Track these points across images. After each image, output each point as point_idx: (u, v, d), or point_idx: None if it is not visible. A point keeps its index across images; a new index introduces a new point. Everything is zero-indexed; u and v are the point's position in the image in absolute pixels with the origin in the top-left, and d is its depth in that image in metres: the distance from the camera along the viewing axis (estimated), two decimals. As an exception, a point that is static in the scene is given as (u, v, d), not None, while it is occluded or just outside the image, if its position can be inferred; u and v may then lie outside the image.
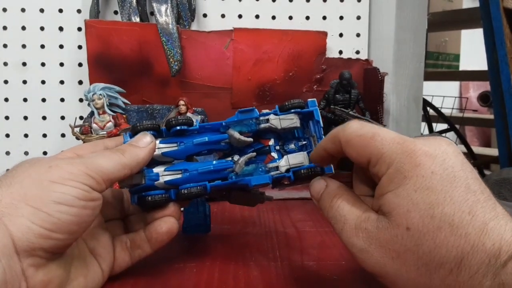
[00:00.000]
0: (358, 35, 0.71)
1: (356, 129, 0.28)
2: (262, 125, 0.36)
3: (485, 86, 2.02)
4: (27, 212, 0.25)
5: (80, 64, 0.69)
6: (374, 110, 0.64)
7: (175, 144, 0.36)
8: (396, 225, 0.25)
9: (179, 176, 0.35)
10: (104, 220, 0.35)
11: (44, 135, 0.70)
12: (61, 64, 0.69)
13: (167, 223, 0.34)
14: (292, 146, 0.37)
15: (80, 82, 0.70)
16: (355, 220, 0.27)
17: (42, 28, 0.69)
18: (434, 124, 1.39)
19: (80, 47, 0.69)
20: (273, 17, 0.71)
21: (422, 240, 0.24)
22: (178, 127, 0.35)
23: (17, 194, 0.26)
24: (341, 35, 0.71)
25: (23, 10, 0.68)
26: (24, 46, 0.69)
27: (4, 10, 0.68)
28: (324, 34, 0.68)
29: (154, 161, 0.35)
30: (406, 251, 0.24)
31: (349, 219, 0.28)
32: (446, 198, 0.24)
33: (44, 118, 0.70)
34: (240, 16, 0.71)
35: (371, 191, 0.30)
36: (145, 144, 0.33)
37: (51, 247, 0.26)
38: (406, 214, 0.24)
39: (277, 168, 0.35)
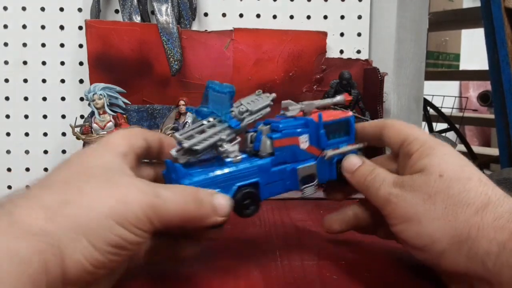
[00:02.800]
0: (359, 34, 0.71)
1: (397, 119, 0.34)
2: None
3: (485, 85, 2.02)
4: (84, 248, 0.24)
5: (80, 63, 0.69)
6: (374, 110, 0.64)
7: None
8: (430, 173, 0.29)
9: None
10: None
11: (45, 134, 0.70)
12: (62, 63, 0.69)
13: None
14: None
15: (81, 81, 0.70)
16: (393, 178, 0.32)
17: (43, 27, 0.69)
18: (434, 124, 1.39)
19: (81, 45, 0.69)
20: (274, 16, 0.71)
21: (453, 184, 0.28)
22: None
23: (82, 224, 0.24)
24: (342, 34, 0.71)
25: (23, 8, 0.68)
26: (24, 44, 0.69)
27: (5, 8, 0.68)
28: (324, 34, 0.68)
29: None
30: (437, 192, 0.28)
31: (388, 178, 0.32)
32: (471, 166, 0.29)
33: (44, 116, 0.70)
34: (241, 15, 0.71)
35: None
36: (222, 209, 0.30)
37: (92, 279, 0.26)
38: (439, 166, 0.29)
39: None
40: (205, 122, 0.34)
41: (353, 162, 0.35)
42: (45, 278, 0.22)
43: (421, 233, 0.28)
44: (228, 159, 0.33)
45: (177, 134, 0.32)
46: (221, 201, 0.30)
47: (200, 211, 0.29)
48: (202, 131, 0.33)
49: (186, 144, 0.32)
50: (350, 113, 0.39)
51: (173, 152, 0.33)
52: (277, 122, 0.36)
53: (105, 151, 0.30)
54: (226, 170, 0.32)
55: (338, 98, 0.39)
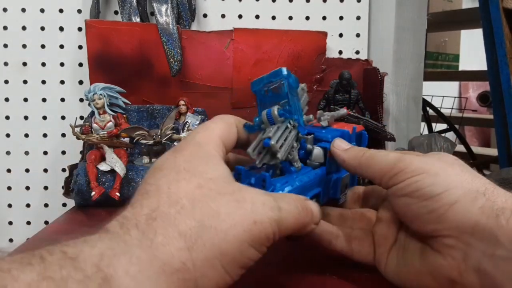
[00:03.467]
0: (358, 35, 0.72)
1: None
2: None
3: (485, 86, 2.02)
4: (218, 274, 0.23)
5: (80, 64, 0.69)
6: (373, 110, 0.64)
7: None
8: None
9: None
10: None
11: (45, 135, 0.70)
12: (62, 64, 0.69)
13: None
14: None
15: (81, 82, 0.70)
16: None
17: (42, 28, 0.69)
18: (433, 124, 1.39)
19: (80, 47, 0.69)
20: (273, 17, 0.71)
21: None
22: None
23: (219, 250, 0.23)
24: (341, 35, 0.71)
25: (23, 10, 0.68)
26: (24, 46, 0.69)
27: (5, 10, 0.68)
28: (324, 34, 0.68)
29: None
30: (453, 162, 0.30)
31: (385, 157, 0.31)
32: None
33: (44, 118, 0.70)
34: (240, 16, 0.71)
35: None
36: (316, 216, 0.30)
37: None
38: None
39: None
40: (289, 125, 0.33)
41: (343, 144, 0.34)
42: None
43: (437, 182, 0.28)
44: (293, 168, 0.33)
45: (273, 140, 0.30)
46: (315, 208, 0.30)
47: (307, 218, 0.29)
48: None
49: (280, 154, 0.30)
50: (362, 127, 0.40)
51: (253, 152, 0.31)
52: (320, 132, 0.36)
53: (210, 151, 0.28)
54: (303, 180, 0.32)
55: (342, 112, 0.40)
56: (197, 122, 0.59)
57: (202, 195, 0.25)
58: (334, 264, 0.37)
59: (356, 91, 0.62)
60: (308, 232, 0.29)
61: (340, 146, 0.34)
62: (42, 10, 0.68)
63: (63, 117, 0.70)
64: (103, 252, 0.20)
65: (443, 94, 1.63)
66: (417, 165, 0.29)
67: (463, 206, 0.27)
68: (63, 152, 0.71)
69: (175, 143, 0.56)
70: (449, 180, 0.28)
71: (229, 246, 0.23)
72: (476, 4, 0.86)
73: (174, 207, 0.24)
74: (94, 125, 0.57)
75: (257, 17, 0.71)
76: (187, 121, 0.59)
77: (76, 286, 0.18)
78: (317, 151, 0.35)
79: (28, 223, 0.72)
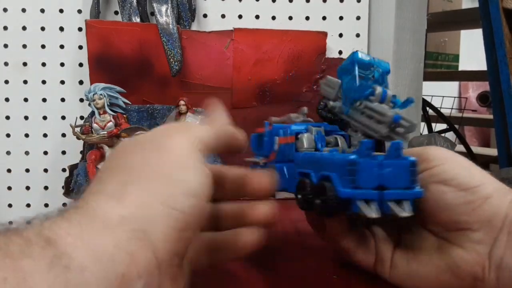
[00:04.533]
0: (357, 35, 0.72)
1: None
2: None
3: (484, 86, 2.02)
4: (164, 214, 0.22)
5: (80, 64, 0.69)
6: (373, 110, 0.64)
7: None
8: None
9: None
10: None
11: (45, 135, 0.70)
12: (62, 64, 0.69)
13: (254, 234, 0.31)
14: None
15: (81, 82, 0.70)
16: None
17: (42, 28, 0.69)
18: (433, 124, 1.39)
19: (80, 47, 0.69)
20: (273, 17, 0.71)
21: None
22: None
23: (150, 193, 0.22)
24: (340, 35, 0.71)
25: (23, 10, 0.68)
26: (24, 46, 0.69)
27: (5, 10, 0.68)
28: (324, 34, 0.68)
29: None
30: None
31: None
32: None
33: (44, 118, 0.70)
34: (240, 17, 0.71)
35: None
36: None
37: (181, 249, 0.23)
38: None
39: None
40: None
41: None
42: (135, 270, 0.20)
43: (471, 174, 0.28)
44: None
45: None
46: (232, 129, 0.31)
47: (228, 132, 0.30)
48: None
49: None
50: None
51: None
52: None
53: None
54: None
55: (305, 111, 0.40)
56: (197, 122, 0.59)
57: (129, 159, 0.25)
58: (334, 264, 0.37)
59: (356, 91, 0.61)
60: (237, 145, 0.30)
61: None
62: (42, 10, 0.68)
63: (63, 117, 0.70)
64: (43, 222, 0.20)
65: (443, 94, 1.63)
66: (447, 153, 0.30)
67: (496, 201, 0.27)
68: (63, 152, 0.71)
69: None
70: (481, 175, 0.29)
71: (160, 183, 0.23)
72: (476, 4, 0.86)
73: (104, 178, 0.24)
74: (94, 125, 0.57)
75: (257, 17, 0.71)
76: (187, 121, 0.59)
77: (18, 249, 0.18)
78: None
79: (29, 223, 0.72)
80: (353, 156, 0.27)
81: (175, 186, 0.23)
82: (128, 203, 0.22)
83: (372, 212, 0.26)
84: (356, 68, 0.30)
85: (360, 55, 0.31)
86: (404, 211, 0.26)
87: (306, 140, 0.34)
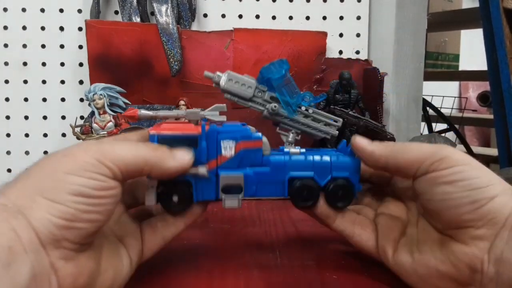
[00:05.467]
0: (358, 35, 0.72)
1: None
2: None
3: (485, 86, 2.02)
4: (44, 205, 0.25)
5: (80, 64, 0.69)
6: (373, 110, 0.64)
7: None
8: None
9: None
10: (128, 206, 0.35)
11: (45, 135, 0.71)
12: (62, 64, 0.69)
13: None
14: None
15: (81, 82, 0.70)
16: None
17: (42, 28, 0.69)
18: (433, 124, 1.39)
19: (80, 47, 0.69)
20: (273, 17, 0.71)
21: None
22: None
23: (33, 187, 0.25)
24: (341, 35, 0.71)
25: (23, 10, 0.68)
26: (25, 46, 0.69)
27: (5, 10, 0.68)
28: (324, 34, 0.68)
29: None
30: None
31: None
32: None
33: (44, 117, 0.70)
34: (240, 16, 0.71)
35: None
36: (180, 158, 0.31)
37: (76, 237, 0.26)
38: None
39: None
40: None
41: (365, 139, 0.35)
42: (20, 244, 0.23)
43: (481, 175, 0.29)
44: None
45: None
46: (179, 151, 0.31)
47: (156, 151, 0.30)
48: None
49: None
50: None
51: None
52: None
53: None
54: None
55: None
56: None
57: (47, 159, 0.28)
58: (334, 264, 0.37)
59: (356, 91, 0.62)
60: (175, 168, 0.30)
61: (363, 140, 0.35)
62: (42, 10, 0.68)
63: (63, 117, 0.70)
64: None
65: (443, 94, 1.63)
66: (460, 156, 0.30)
67: (502, 200, 0.28)
68: (63, 152, 0.71)
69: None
70: (491, 176, 0.29)
71: (42, 181, 0.26)
72: (476, 4, 0.86)
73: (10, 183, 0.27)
74: (94, 125, 0.57)
75: (257, 17, 0.71)
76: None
77: None
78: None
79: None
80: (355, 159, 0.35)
81: (61, 185, 0.25)
82: (10, 194, 0.25)
83: None
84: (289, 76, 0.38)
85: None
86: None
87: (267, 143, 0.35)
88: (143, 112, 0.33)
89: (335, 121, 0.39)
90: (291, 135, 0.39)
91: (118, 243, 0.31)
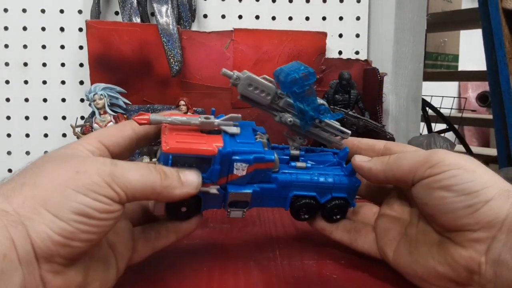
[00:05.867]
0: (357, 35, 0.72)
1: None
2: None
3: (484, 86, 2.02)
4: (47, 219, 0.25)
5: (81, 65, 0.69)
6: (373, 110, 0.64)
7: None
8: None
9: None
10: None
11: (45, 135, 0.71)
12: (62, 65, 0.70)
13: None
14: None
15: (81, 82, 0.70)
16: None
17: (43, 29, 0.69)
18: (433, 124, 1.39)
19: (81, 47, 0.69)
20: (273, 18, 0.71)
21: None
22: None
23: (39, 198, 0.25)
24: (340, 35, 0.72)
25: (24, 10, 0.68)
26: (25, 46, 0.69)
27: (5, 10, 0.68)
28: (324, 34, 0.69)
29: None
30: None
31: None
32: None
33: (45, 118, 0.70)
34: (240, 17, 0.71)
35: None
36: (189, 184, 0.31)
37: (69, 254, 0.26)
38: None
39: None
40: None
41: (364, 157, 0.36)
42: (15, 254, 0.23)
43: (475, 178, 0.29)
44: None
45: None
46: (189, 174, 0.31)
47: (164, 181, 0.29)
48: None
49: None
50: None
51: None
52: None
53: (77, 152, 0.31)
54: None
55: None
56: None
57: (32, 166, 0.28)
58: (334, 264, 0.37)
59: (356, 91, 0.62)
60: (184, 195, 0.30)
61: (361, 159, 0.36)
62: (43, 11, 0.69)
63: (64, 117, 0.70)
64: None
65: (443, 94, 1.63)
66: (453, 159, 0.30)
67: (497, 203, 0.28)
68: (64, 152, 0.71)
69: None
70: (486, 178, 0.29)
71: (49, 193, 0.25)
72: (476, 5, 0.86)
73: (9, 182, 0.26)
74: (95, 125, 0.57)
75: (257, 17, 0.71)
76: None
77: None
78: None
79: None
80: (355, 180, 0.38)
81: (67, 202, 0.25)
82: (14, 201, 0.25)
83: None
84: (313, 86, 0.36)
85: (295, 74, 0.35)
86: None
87: (277, 161, 0.35)
88: (155, 117, 0.32)
89: (343, 132, 0.39)
90: (298, 140, 0.39)
91: (108, 251, 0.31)
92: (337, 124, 0.38)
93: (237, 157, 0.32)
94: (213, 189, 0.32)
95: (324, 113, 0.37)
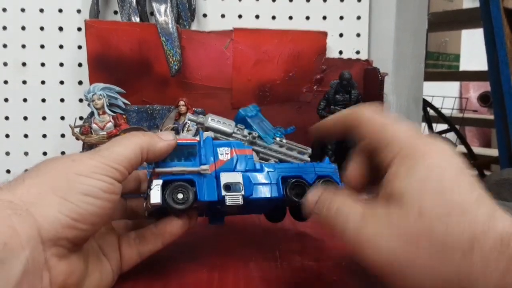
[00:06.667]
0: (358, 35, 0.71)
1: (374, 111, 0.29)
2: None
3: (485, 86, 2.02)
4: (55, 201, 0.26)
5: (80, 64, 0.69)
6: (374, 110, 0.63)
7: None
8: (408, 208, 0.25)
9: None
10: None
11: (44, 136, 0.70)
12: (61, 64, 0.69)
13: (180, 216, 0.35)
14: None
15: (80, 82, 0.70)
16: (360, 211, 0.26)
17: (42, 28, 0.69)
18: (434, 125, 1.39)
19: (80, 47, 0.69)
20: (273, 17, 0.71)
21: (434, 224, 0.24)
22: None
23: (44, 184, 0.26)
24: (341, 35, 0.71)
25: (22, 10, 0.68)
26: (24, 46, 0.69)
27: (4, 10, 0.68)
28: (324, 34, 0.68)
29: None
30: (419, 235, 0.24)
31: (353, 212, 0.27)
32: (454, 188, 0.24)
33: (44, 118, 0.70)
34: (240, 16, 0.71)
35: (365, 180, 0.32)
36: (166, 138, 0.33)
37: (75, 237, 0.26)
38: (418, 198, 0.24)
39: None
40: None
41: (313, 197, 0.30)
42: (18, 241, 0.23)
43: (410, 283, 0.24)
44: None
45: None
46: (164, 134, 0.34)
47: (146, 138, 0.32)
48: None
49: None
50: None
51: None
52: None
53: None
54: None
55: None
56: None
57: (33, 168, 0.29)
58: (334, 264, 0.37)
59: (356, 91, 0.61)
60: (160, 148, 0.32)
61: (308, 206, 0.30)
62: (41, 10, 0.68)
63: (62, 118, 0.70)
64: None
65: (444, 95, 1.63)
66: (380, 258, 0.26)
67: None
68: (63, 153, 0.71)
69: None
70: (421, 278, 0.24)
71: (53, 179, 0.27)
72: (477, 4, 0.86)
73: (11, 181, 0.27)
74: (94, 126, 0.57)
75: (257, 17, 0.71)
76: (186, 122, 0.59)
77: None
78: None
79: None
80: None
81: (74, 184, 0.27)
82: (18, 191, 0.26)
83: None
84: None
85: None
86: None
87: (256, 157, 0.40)
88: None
89: (305, 149, 0.48)
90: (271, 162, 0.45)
91: (100, 251, 0.32)
92: (296, 144, 0.47)
93: (218, 143, 0.38)
94: (204, 166, 0.35)
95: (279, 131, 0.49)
